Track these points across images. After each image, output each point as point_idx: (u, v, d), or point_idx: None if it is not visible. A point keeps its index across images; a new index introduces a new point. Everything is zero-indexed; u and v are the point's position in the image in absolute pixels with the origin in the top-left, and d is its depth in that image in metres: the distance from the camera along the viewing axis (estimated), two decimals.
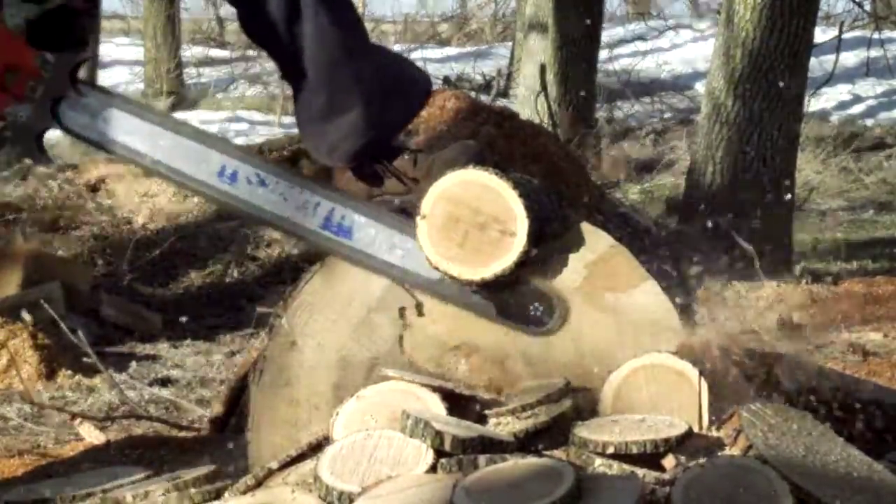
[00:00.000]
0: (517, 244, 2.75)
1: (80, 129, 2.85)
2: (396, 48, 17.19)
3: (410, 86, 3.04)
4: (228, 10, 19.49)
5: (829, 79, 13.49)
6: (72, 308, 5.93)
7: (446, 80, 15.68)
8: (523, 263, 2.76)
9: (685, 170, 8.77)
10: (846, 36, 14.44)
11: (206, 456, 3.68)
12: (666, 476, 2.42)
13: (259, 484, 2.68)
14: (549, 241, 2.85)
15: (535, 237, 2.78)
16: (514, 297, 2.81)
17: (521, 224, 2.76)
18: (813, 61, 8.36)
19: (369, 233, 2.82)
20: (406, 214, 2.86)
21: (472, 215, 2.78)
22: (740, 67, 7.51)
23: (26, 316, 5.32)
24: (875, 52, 16.28)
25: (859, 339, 5.76)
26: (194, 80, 15.93)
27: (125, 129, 2.83)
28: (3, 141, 2.86)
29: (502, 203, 2.77)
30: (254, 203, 2.83)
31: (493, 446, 2.51)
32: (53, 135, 2.91)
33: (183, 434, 4.22)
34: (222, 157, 2.83)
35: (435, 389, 2.66)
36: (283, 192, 2.82)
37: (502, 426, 2.63)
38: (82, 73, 2.89)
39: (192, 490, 2.70)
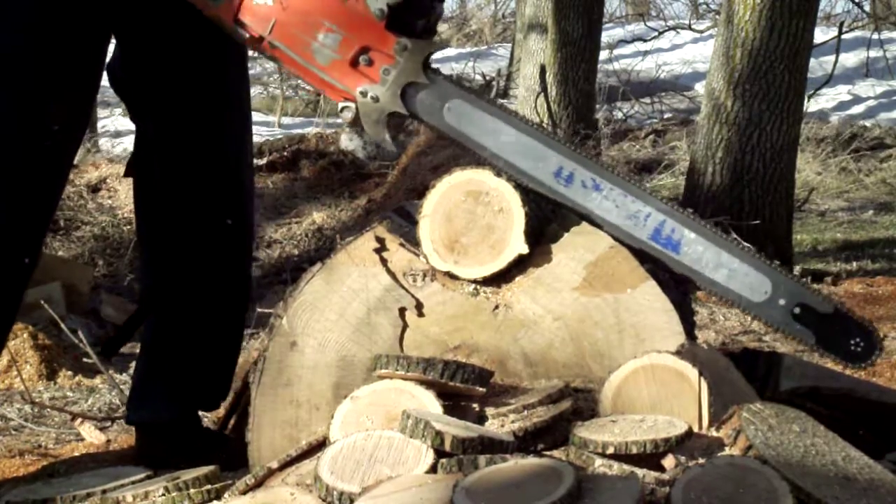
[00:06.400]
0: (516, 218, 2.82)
1: (425, 115, 2.91)
2: None
3: None
4: None
5: (829, 79, 13.49)
6: (72, 308, 5.93)
7: None
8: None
9: (685, 170, 8.77)
10: (846, 36, 14.45)
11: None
12: (666, 476, 2.42)
13: (259, 484, 2.68)
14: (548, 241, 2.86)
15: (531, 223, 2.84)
16: (835, 329, 2.83)
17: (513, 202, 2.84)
18: (813, 62, 8.36)
19: (697, 249, 2.84)
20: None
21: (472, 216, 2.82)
22: (740, 67, 7.51)
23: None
24: (874, 53, 16.30)
25: None
26: None
27: (469, 120, 2.89)
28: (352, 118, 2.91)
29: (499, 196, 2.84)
30: (585, 206, 2.87)
31: (493, 446, 2.51)
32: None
33: None
34: (560, 158, 2.87)
35: (429, 386, 2.66)
36: (615, 199, 2.86)
37: (502, 426, 2.63)
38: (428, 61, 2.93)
39: (192, 490, 2.70)
